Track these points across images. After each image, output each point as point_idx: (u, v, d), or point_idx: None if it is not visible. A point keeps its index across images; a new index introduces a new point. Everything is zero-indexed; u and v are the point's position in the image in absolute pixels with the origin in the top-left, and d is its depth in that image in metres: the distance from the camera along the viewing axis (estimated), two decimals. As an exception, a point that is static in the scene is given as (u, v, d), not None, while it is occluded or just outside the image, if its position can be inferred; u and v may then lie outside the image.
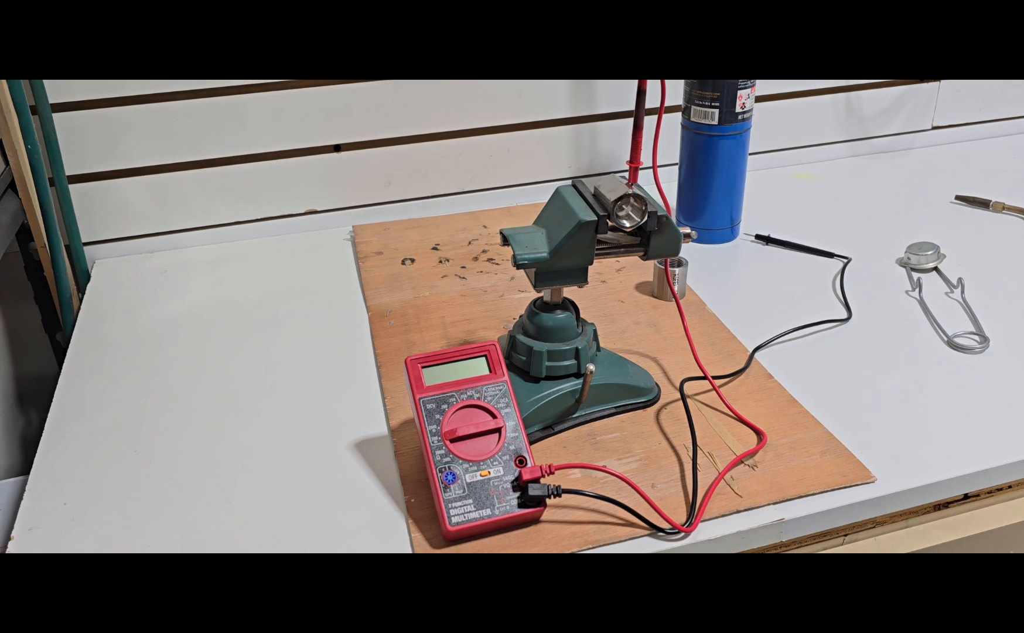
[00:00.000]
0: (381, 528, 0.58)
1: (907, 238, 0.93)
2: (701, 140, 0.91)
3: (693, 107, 0.90)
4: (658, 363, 0.74)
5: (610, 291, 0.86)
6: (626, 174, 0.75)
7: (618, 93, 1.05)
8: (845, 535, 0.61)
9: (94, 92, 0.89)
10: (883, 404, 0.68)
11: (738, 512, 0.58)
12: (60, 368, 0.77)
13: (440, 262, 0.92)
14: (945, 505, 0.63)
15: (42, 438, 0.67)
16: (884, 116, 1.18)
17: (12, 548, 0.57)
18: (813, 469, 0.61)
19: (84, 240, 0.95)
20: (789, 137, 1.15)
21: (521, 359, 0.66)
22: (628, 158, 0.75)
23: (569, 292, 0.68)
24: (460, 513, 0.55)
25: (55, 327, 0.98)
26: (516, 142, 1.04)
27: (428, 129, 1.00)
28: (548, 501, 0.57)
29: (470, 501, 0.56)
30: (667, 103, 0.74)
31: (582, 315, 0.67)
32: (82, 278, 0.94)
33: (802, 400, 0.69)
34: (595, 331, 0.68)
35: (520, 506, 0.56)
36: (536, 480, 0.57)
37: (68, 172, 0.91)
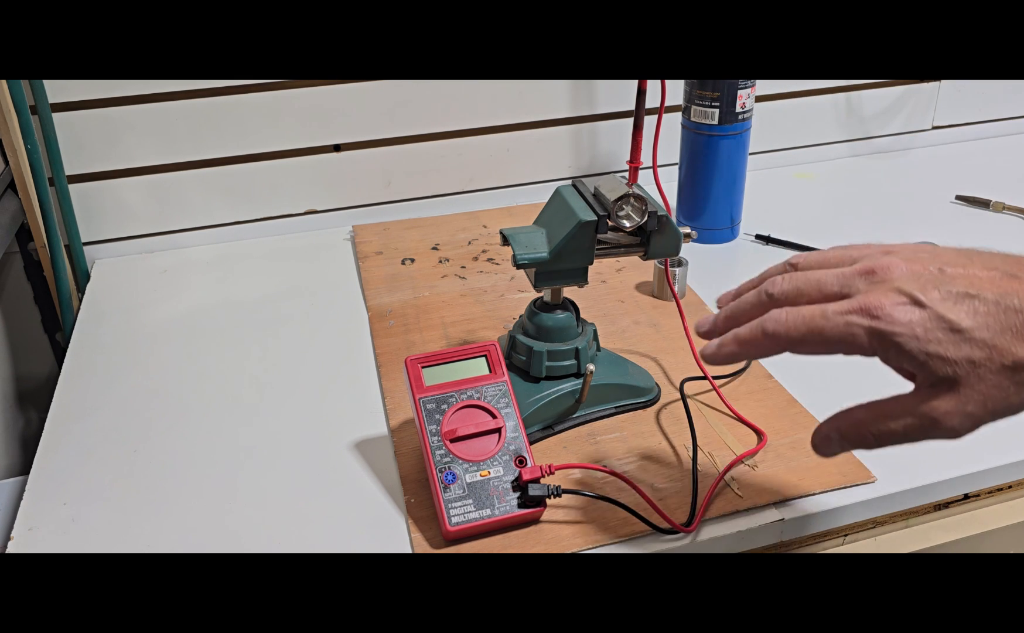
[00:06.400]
0: (381, 528, 0.58)
1: (907, 238, 0.92)
2: (701, 140, 0.91)
3: (693, 107, 0.90)
4: (658, 363, 0.74)
5: (610, 291, 0.86)
6: (626, 174, 0.75)
7: (618, 93, 1.05)
8: (845, 535, 0.61)
9: (94, 92, 0.89)
10: (883, 404, 0.68)
11: (738, 512, 0.58)
12: (60, 368, 0.77)
13: (440, 262, 0.92)
14: (945, 505, 0.63)
15: (42, 438, 0.67)
16: (884, 116, 1.18)
17: (12, 548, 0.57)
18: (813, 469, 0.61)
19: (84, 240, 0.95)
20: (789, 137, 1.15)
21: (521, 359, 0.66)
22: (628, 158, 0.75)
23: (569, 292, 0.68)
24: (460, 513, 0.55)
25: (55, 327, 0.98)
26: (516, 142, 1.04)
27: (428, 129, 1.00)
28: (548, 501, 0.57)
29: (470, 501, 0.56)
30: (667, 103, 0.74)
31: (582, 315, 0.67)
32: (82, 278, 0.94)
33: (802, 400, 0.69)
34: (595, 331, 0.67)
35: (520, 506, 0.56)
36: (536, 480, 0.57)
37: (68, 172, 0.91)
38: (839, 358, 0.76)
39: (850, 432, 0.46)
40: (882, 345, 0.42)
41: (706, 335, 0.50)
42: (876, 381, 0.70)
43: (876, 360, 0.46)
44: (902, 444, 0.45)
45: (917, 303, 0.42)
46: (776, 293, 0.46)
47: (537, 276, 0.63)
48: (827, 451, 0.47)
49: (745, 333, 0.46)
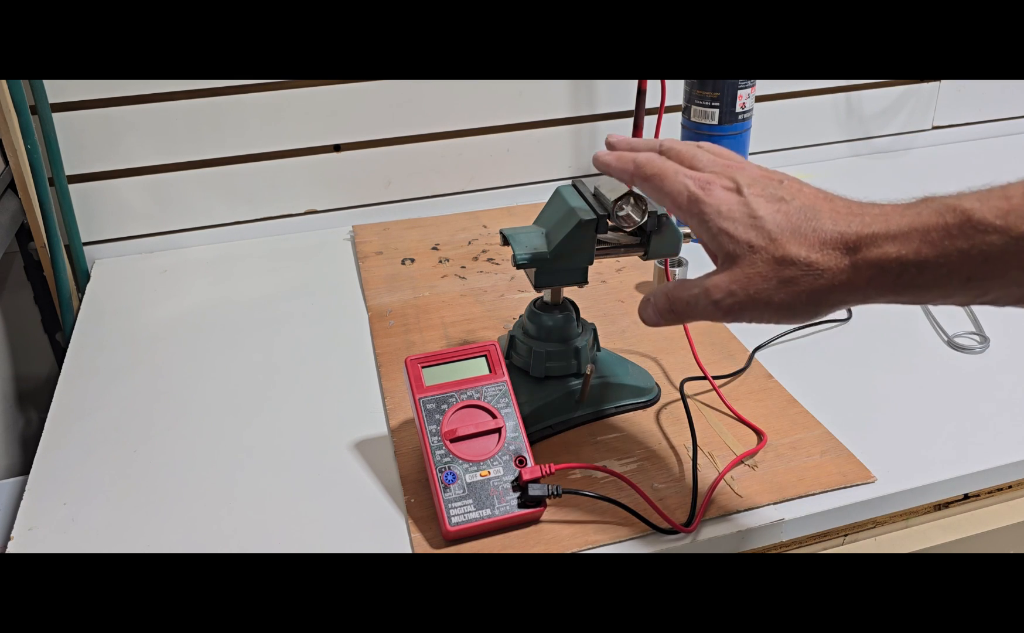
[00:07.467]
0: (381, 528, 0.58)
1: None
2: (701, 140, 0.91)
3: (693, 107, 0.90)
4: (658, 363, 0.74)
5: (610, 291, 0.86)
6: (626, 174, 0.75)
7: (618, 93, 1.05)
8: (845, 535, 0.61)
9: (94, 92, 0.89)
10: (883, 404, 0.68)
11: (738, 512, 0.58)
12: (60, 368, 0.77)
13: (440, 262, 0.92)
14: (945, 505, 0.63)
15: (42, 438, 0.67)
16: (884, 116, 1.18)
17: (12, 548, 0.57)
18: (813, 469, 0.61)
19: (84, 240, 0.95)
20: (789, 137, 1.15)
21: (521, 359, 0.66)
22: (628, 158, 0.75)
23: (569, 292, 0.68)
24: (460, 513, 0.55)
25: (55, 327, 0.98)
26: (516, 142, 1.04)
27: (428, 129, 1.00)
28: (548, 501, 0.57)
29: (470, 501, 0.56)
30: (667, 103, 0.74)
31: (582, 315, 0.67)
32: (82, 278, 0.94)
33: (802, 400, 0.69)
34: (595, 331, 0.67)
35: (520, 506, 0.56)
36: (536, 480, 0.57)
37: (68, 172, 0.91)
38: (836, 360, 0.76)
39: (658, 296, 0.51)
40: (692, 210, 0.49)
41: (609, 145, 0.58)
42: (874, 380, 0.70)
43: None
44: (693, 315, 0.49)
45: (737, 191, 0.48)
46: (665, 147, 0.54)
47: (537, 276, 0.63)
48: (644, 315, 0.53)
49: (626, 153, 0.54)
